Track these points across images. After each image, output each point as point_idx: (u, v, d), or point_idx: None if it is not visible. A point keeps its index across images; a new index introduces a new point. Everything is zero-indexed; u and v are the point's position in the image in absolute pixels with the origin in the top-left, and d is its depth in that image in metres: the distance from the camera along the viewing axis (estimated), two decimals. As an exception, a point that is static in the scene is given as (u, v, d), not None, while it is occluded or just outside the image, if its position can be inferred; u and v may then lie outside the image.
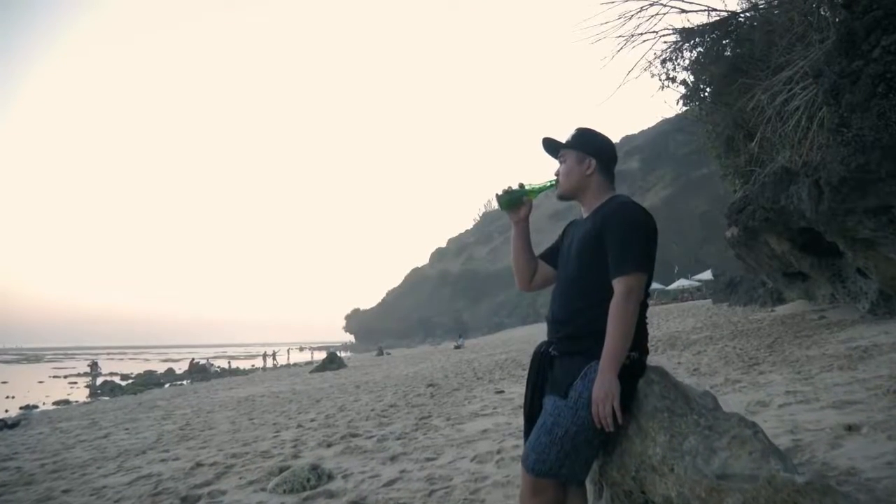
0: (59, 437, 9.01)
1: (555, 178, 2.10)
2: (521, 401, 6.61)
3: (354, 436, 5.58)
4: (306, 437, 5.93)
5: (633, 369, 1.85)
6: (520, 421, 5.43)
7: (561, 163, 2.08)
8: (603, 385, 1.74)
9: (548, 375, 1.97)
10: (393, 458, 4.36)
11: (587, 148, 2.05)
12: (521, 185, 2.16)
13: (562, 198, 2.10)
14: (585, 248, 1.93)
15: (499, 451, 4.13)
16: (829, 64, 7.00)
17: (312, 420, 7.38)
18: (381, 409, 7.56)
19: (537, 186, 2.18)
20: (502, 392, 7.54)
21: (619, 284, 1.80)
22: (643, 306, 1.87)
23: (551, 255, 2.20)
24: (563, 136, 2.10)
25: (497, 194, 2.17)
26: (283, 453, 5.20)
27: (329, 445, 5.26)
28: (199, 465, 5.08)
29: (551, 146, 2.12)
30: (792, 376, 5.31)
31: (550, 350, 1.98)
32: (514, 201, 2.16)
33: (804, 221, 8.95)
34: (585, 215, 2.05)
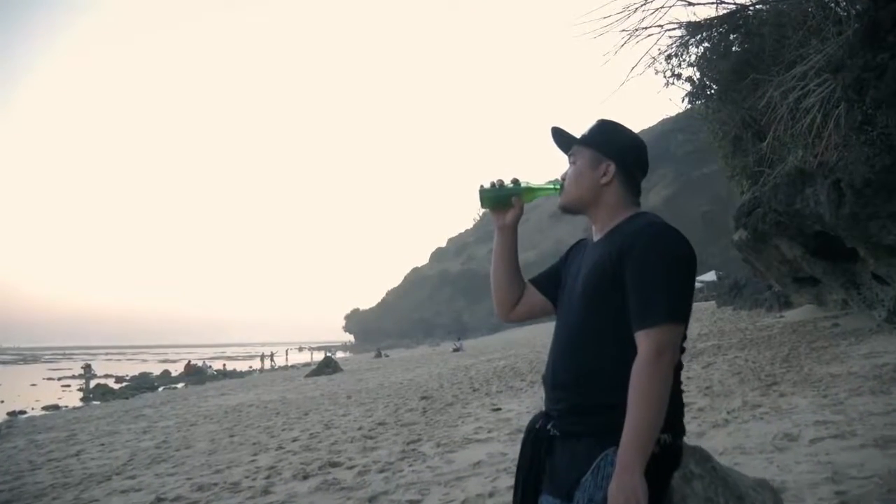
0: (31, 453, 8.52)
1: (560, 180, 1.59)
2: (518, 422, 6.15)
3: (334, 465, 5.08)
4: (283, 465, 5.43)
5: (666, 459, 1.32)
6: (518, 449, 4.96)
7: (571, 163, 1.57)
8: (624, 486, 1.22)
9: (545, 464, 1.46)
10: (371, 500, 3.86)
11: (606, 147, 1.52)
12: (517, 182, 1.65)
13: (565, 209, 1.58)
14: (597, 285, 1.41)
15: (491, 494, 3.63)
16: (851, 57, 6.49)
17: (295, 440, 6.88)
18: (369, 427, 7.05)
19: (535, 187, 1.66)
20: (499, 409, 7.03)
21: (645, 339, 1.29)
22: (678, 367, 1.36)
23: (546, 283, 1.67)
24: (581, 130, 1.59)
25: (482, 187, 1.66)
26: (254, 486, 4.70)
27: (305, 477, 4.76)
28: (159, 500, 4.59)
29: (562, 139, 1.60)
30: (818, 400, 4.80)
31: (549, 427, 1.45)
32: (501, 200, 1.66)
33: (820, 225, 8.45)
34: (597, 237, 1.52)
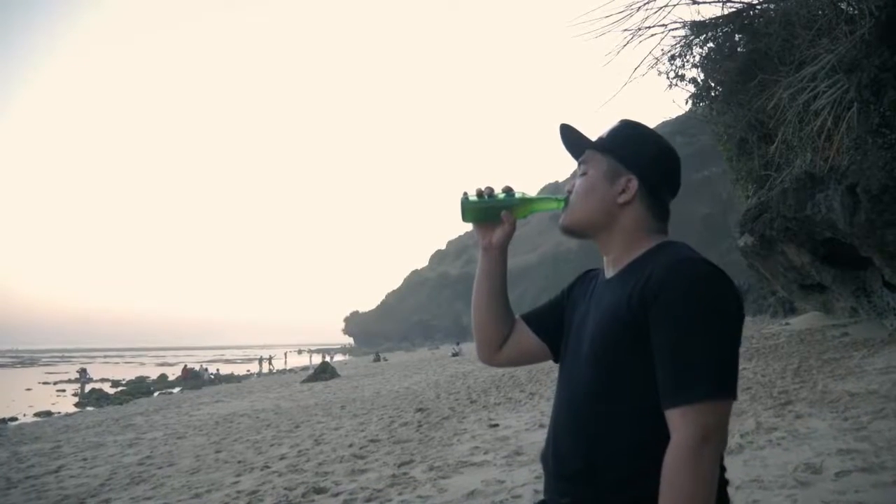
0: (11, 468, 8.18)
1: (567, 194, 1.24)
2: (516, 441, 5.81)
3: (319, 491, 4.74)
4: (266, 489, 5.09)
5: None
6: (515, 476, 4.63)
7: (580, 172, 1.22)
8: None
9: None
10: (355, 538, 3.52)
11: (629, 156, 1.17)
12: (509, 192, 1.29)
13: (569, 230, 1.22)
14: (612, 341, 1.07)
15: (486, 534, 3.29)
16: (867, 56, 6.17)
17: (282, 457, 6.55)
18: (361, 444, 6.72)
19: (533, 199, 1.30)
20: (496, 426, 6.69)
21: (682, 421, 0.96)
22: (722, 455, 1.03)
23: (543, 321, 1.33)
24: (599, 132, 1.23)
25: (465, 196, 1.29)
26: (231, 516, 4.37)
27: (286, 506, 4.43)
28: (129, 531, 4.26)
29: (573, 140, 1.25)
30: (838, 423, 4.47)
31: None
32: (488, 213, 1.30)
33: (831, 232, 8.12)
34: (610, 272, 1.19)
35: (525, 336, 1.34)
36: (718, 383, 0.97)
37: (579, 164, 1.23)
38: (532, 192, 1.33)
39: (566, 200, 1.23)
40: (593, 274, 1.30)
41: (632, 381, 1.05)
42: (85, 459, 8.25)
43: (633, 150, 1.18)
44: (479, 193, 1.29)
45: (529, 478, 4.27)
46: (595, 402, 1.09)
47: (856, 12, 7.50)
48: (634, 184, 1.15)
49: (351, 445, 6.72)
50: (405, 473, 4.98)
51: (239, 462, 6.62)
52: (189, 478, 6.09)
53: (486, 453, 5.37)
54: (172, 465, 7.01)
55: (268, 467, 6.10)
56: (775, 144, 8.73)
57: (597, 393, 1.09)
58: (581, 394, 1.12)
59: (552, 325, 1.31)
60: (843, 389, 5.60)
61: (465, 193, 1.30)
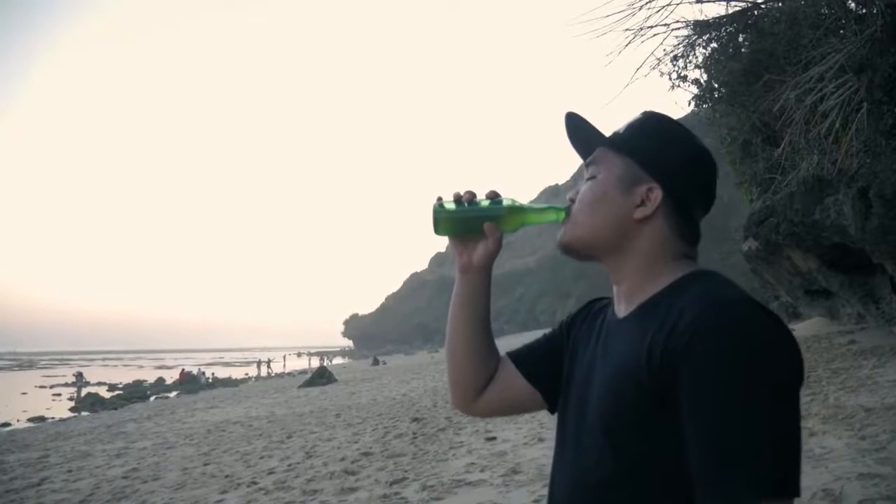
0: (-8, 480, 7.94)
1: (568, 202, 0.98)
2: (514, 457, 5.55)
3: (305, 513, 4.50)
4: (250, 509, 4.85)
5: None
6: (512, 498, 4.37)
7: (588, 176, 0.96)
8: None
9: None
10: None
11: (651, 159, 0.90)
12: (495, 198, 1.01)
13: (569, 248, 0.95)
14: (626, 406, 0.81)
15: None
16: (881, 55, 5.93)
17: (271, 472, 6.30)
18: (353, 457, 6.47)
19: (524, 207, 1.01)
20: (494, 439, 6.44)
21: None
22: None
23: (536, 364, 1.06)
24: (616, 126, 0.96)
25: (438, 202, 1.01)
26: (211, 541, 4.12)
27: (269, 531, 4.18)
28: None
29: (580, 135, 0.99)
30: (856, 443, 4.21)
31: None
32: (467, 225, 1.02)
33: (839, 237, 7.87)
34: (624, 309, 0.92)
35: (512, 380, 1.06)
36: (775, 476, 0.70)
37: (587, 166, 0.97)
38: (527, 197, 1.05)
39: (567, 211, 0.97)
40: (600, 306, 1.03)
41: (653, 461, 0.79)
42: (70, 471, 8.00)
43: (657, 150, 0.91)
44: (458, 199, 1.01)
45: (527, 500, 4.03)
46: (604, 487, 0.83)
47: (864, 11, 7.28)
48: (657, 195, 0.89)
49: (343, 459, 6.47)
50: (397, 493, 4.73)
51: (226, 477, 6.37)
52: (173, 494, 5.84)
53: (482, 470, 5.12)
54: (158, 479, 6.75)
55: (255, 483, 5.85)
56: (781, 147, 8.48)
57: (607, 474, 0.83)
58: (586, 472, 0.86)
59: (547, 370, 1.04)
60: (857, 404, 5.34)
61: (440, 199, 1.01)
